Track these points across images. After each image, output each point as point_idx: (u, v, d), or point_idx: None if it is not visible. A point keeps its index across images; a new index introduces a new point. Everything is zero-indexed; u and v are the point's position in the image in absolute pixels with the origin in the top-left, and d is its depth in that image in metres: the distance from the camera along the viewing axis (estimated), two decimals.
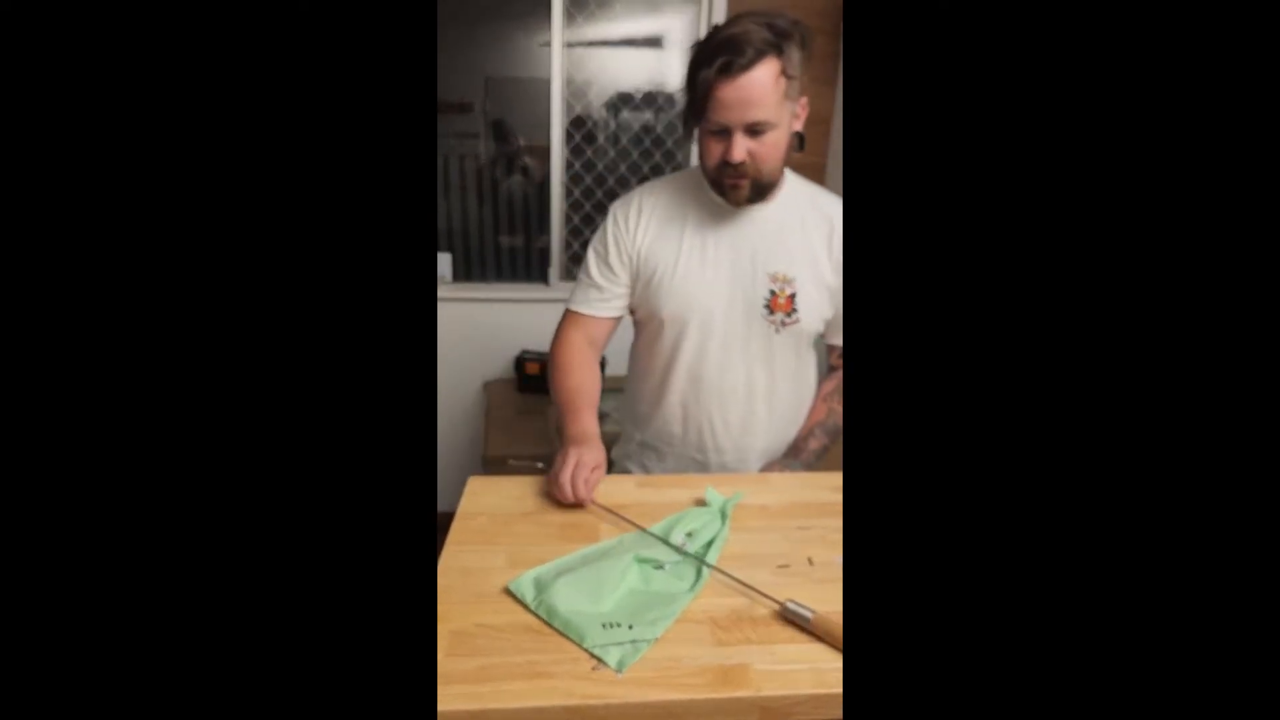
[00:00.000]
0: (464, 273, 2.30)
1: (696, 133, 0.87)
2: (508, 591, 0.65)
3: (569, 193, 2.26)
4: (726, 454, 0.99)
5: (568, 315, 1.00)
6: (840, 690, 0.54)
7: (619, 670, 0.55)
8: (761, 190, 0.88)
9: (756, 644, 0.59)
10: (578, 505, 0.79)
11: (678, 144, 2.17)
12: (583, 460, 0.80)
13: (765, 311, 0.91)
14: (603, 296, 0.98)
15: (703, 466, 1.00)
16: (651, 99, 2.12)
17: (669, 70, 2.11)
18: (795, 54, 0.81)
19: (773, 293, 0.91)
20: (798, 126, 0.88)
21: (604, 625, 0.60)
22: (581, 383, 0.95)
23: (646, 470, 1.05)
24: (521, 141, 2.17)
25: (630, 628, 0.60)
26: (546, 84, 2.11)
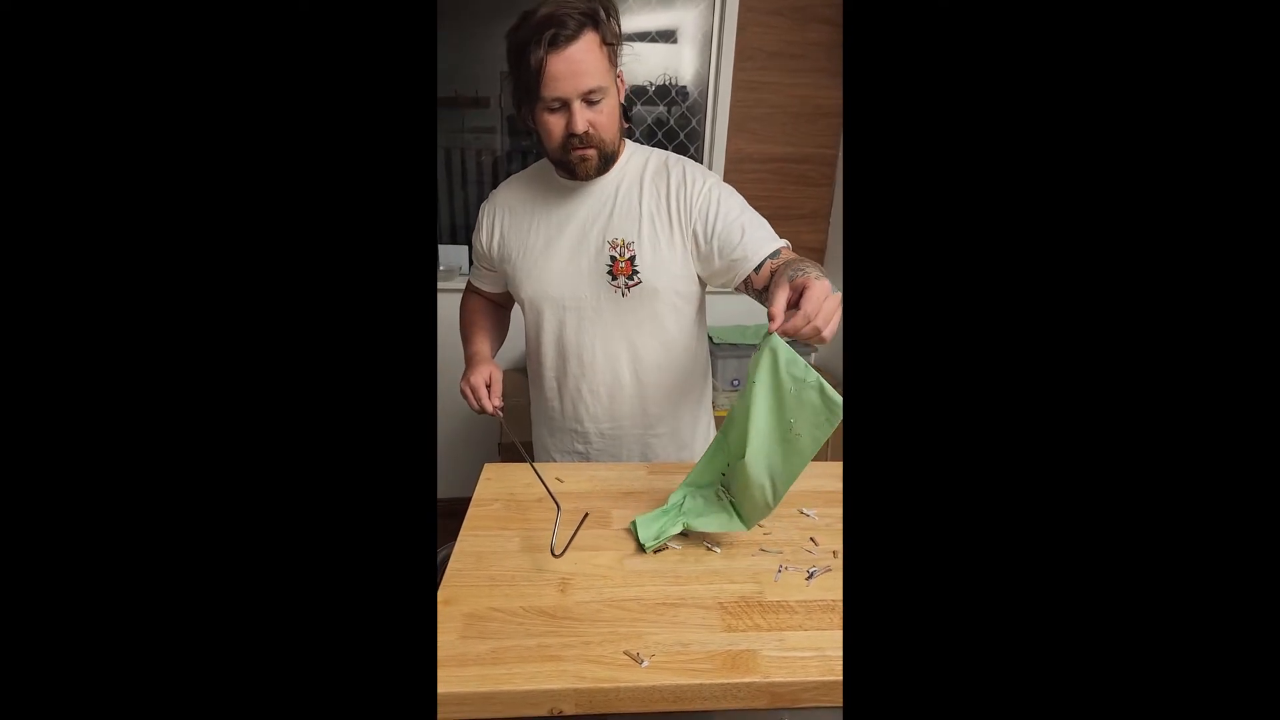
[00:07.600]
0: None
1: (532, 119, 0.89)
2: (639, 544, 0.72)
3: None
4: (603, 423, 1.04)
5: (466, 286, 1.16)
6: None
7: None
8: (607, 160, 0.93)
9: (765, 630, 0.60)
10: (489, 413, 0.95)
11: (690, 136, 2.16)
12: (474, 380, 0.96)
13: (609, 278, 0.95)
14: (479, 275, 1.11)
15: (584, 439, 1.05)
16: (665, 92, 2.12)
17: (683, 64, 2.11)
18: (610, 24, 0.86)
19: (613, 259, 0.95)
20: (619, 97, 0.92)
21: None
22: (470, 316, 1.11)
23: (573, 449, 1.08)
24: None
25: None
26: None
